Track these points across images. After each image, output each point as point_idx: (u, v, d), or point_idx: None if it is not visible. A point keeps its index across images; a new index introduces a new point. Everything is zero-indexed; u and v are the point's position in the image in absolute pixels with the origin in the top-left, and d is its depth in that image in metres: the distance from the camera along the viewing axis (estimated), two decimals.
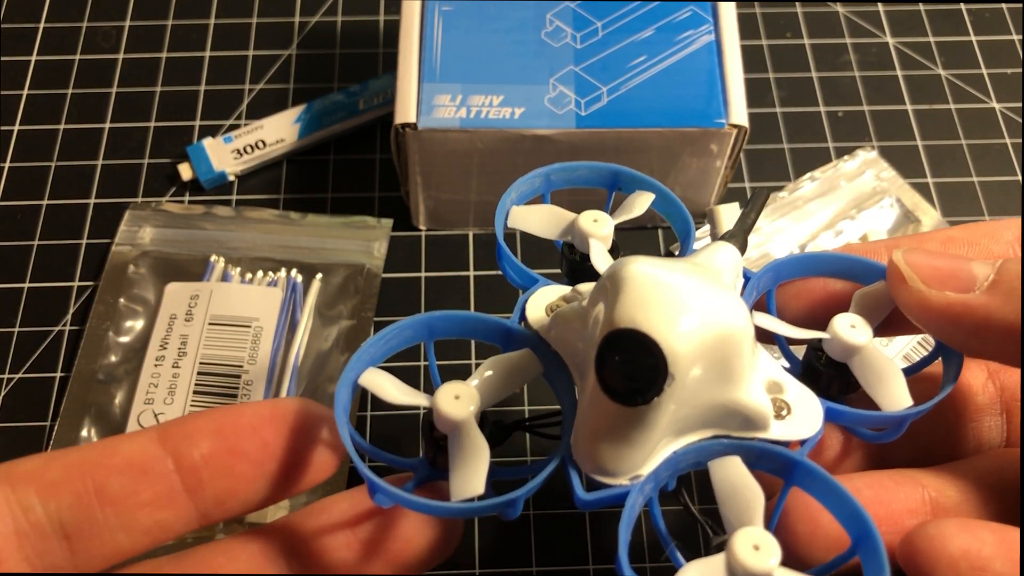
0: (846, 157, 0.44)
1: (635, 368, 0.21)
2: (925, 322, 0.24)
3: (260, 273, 0.40)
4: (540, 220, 0.27)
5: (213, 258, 0.40)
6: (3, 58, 0.47)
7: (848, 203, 0.42)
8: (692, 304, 0.21)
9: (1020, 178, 0.44)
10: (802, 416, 0.24)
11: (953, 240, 0.27)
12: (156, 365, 0.37)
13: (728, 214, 0.27)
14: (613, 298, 0.21)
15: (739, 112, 0.37)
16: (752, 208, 0.27)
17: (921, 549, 0.23)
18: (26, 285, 0.41)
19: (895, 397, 0.24)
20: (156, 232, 0.41)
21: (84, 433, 0.36)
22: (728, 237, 0.26)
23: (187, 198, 0.43)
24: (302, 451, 0.24)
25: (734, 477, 0.22)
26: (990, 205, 0.43)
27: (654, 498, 0.23)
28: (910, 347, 0.38)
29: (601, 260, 0.26)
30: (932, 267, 0.24)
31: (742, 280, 0.26)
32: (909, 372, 0.26)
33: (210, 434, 0.23)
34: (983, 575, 0.22)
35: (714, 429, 0.23)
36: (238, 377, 0.37)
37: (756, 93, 0.46)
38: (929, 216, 0.42)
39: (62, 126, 0.45)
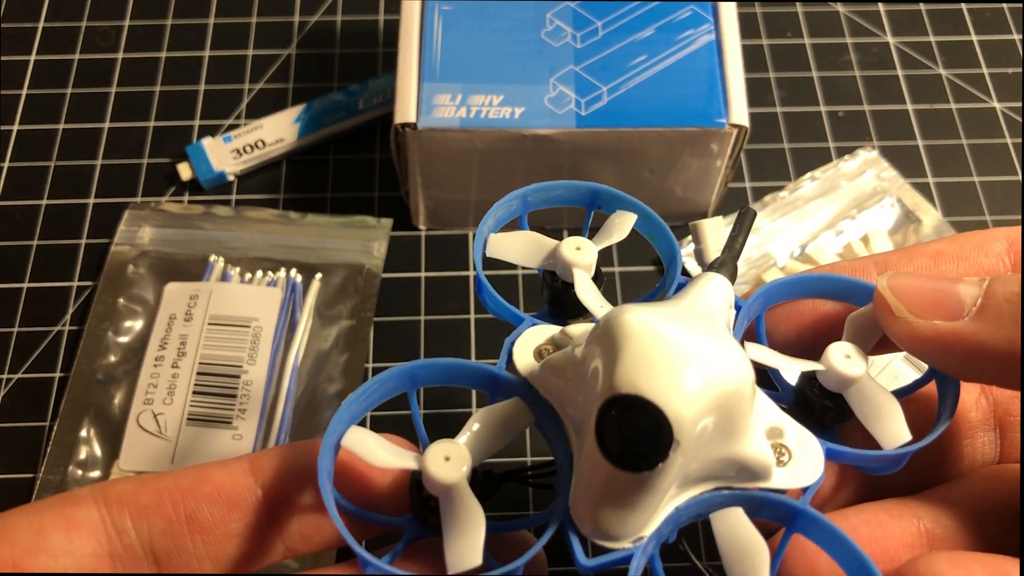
0: (847, 157, 0.44)
1: (639, 435, 0.20)
2: (916, 352, 0.24)
3: (259, 273, 0.40)
4: (520, 248, 0.26)
5: (212, 258, 0.40)
6: (2, 58, 0.47)
7: (849, 203, 0.42)
8: (695, 363, 0.20)
9: (1020, 178, 0.44)
10: (803, 461, 0.23)
11: (942, 254, 0.26)
12: (155, 365, 0.37)
13: (713, 230, 0.26)
14: (612, 357, 0.20)
15: (739, 112, 0.37)
16: (739, 231, 0.26)
17: None
18: (25, 285, 0.41)
19: (893, 431, 0.24)
20: (155, 232, 0.41)
21: (83, 433, 0.36)
22: (718, 266, 0.25)
23: (186, 198, 0.43)
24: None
25: (737, 530, 0.22)
26: (991, 205, 0.43)
27: (655, 555, 0.23)
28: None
29: (586, 291, 0.25)
30: (918, 293, 0.23)
31: (734, 312, 0.25)
32: (902, 393, 0.26)
33: (300, 472, 0.24)
34: None
35: (716, 482, 0.23)
36: (237, 377, 0.37)
37: (756, 93, 0.46)
38: (930, 216, 0.42)
39: (61, 126, 0.45)
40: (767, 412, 0.23)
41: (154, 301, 0.39)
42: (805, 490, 0.23)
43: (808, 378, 0.25)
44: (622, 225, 0.26)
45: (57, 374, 0.38)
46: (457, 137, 0.37)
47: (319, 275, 0.40)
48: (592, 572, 0.22)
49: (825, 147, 0.45)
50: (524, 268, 0.39)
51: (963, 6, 0.49)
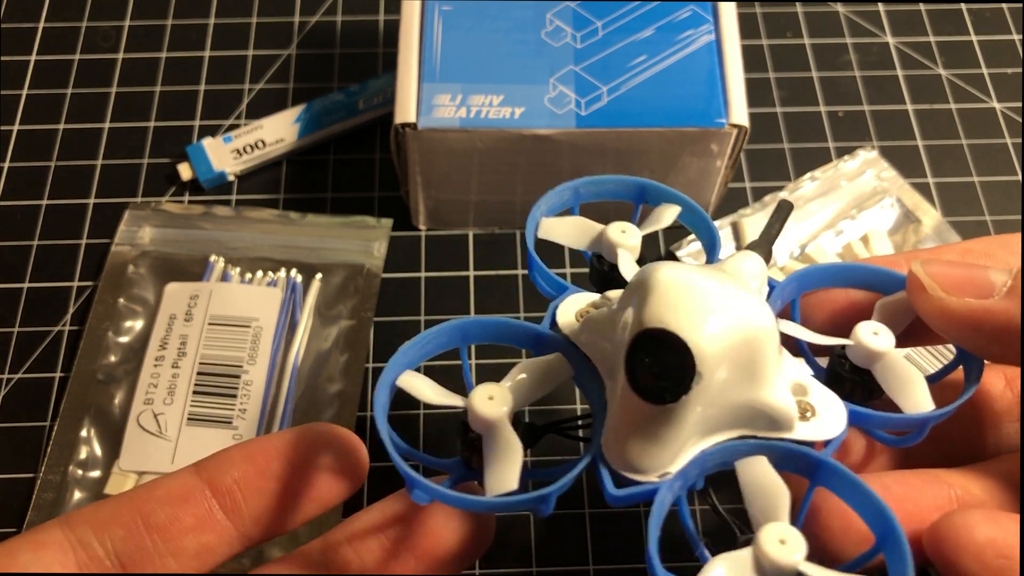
0: (846, 157, 0.44)
1: (664, 367, 0.21)
2: (946, 329, 0.25)
3: (260, 273, 0.40)
4: (569, 231, 0.28)
5: (213, 258, 0.40)
6: (3, 58, 0.47)
7: (848, 203, 0.42)
8: (719, 306, 0.22)
9: (1020, 178, 0.44)
10: (826, 417, 0.24)
11: (971, 252, 0.27)
12: (156, 365, 0.37)
13: (753, 228, 0.28)
14: (642, 301, 0.22)
15: (739, 112, 0.37)
16: (777, 219, 0.28)
17: (948, 537, 0.23)
18: (25, 285, 0.41)
19: (917, 401, 0.25)
20: (156, 232, 0.41)
21: (84, 433, 0.36)
22: (753, 247, 0.27)
23: (187, 198, 0.43)
24: (328, 470, 0.26)
25: (760, 476, 0.23)
26: (991, 205, 0.43)
27: (683, 497, 0.24)
28: (919, 355, 0.38)
29: (629, 269, 0.27)
30: (951, 275, 0.24)
31: (767, 288, 0.26)
32: (931, 380, 0.27)
33: (240, 460, 0.25)
34: (1008, 563, 0.23)
35: (740, 429, 0.24)
36: (237, 377, 0.37)
37: (756, 93, 0.46)
38: (930, 216, 0.42)
39: (61, 126, 0.45)
40: (793, 370, 0.25)
41: (154, 301, 0.39)
42: (828, 444, 0.24)
43: (838, 356, 0.26)
44: (667, 215, 0.29)
45: (57, 374, 0.38)
46: (457, 137, 0.37)
47: (319, 275, 0.40)
48: (620, 503, 0.23)
49: (825, 147, 0.45)
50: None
51: (963, 6, 0.49)
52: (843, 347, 0.26)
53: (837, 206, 0.42)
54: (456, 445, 0.25)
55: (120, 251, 0.41)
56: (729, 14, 0.40)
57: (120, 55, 0.47)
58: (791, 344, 0.27)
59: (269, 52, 0.47)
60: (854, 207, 0.42)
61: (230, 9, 0.49)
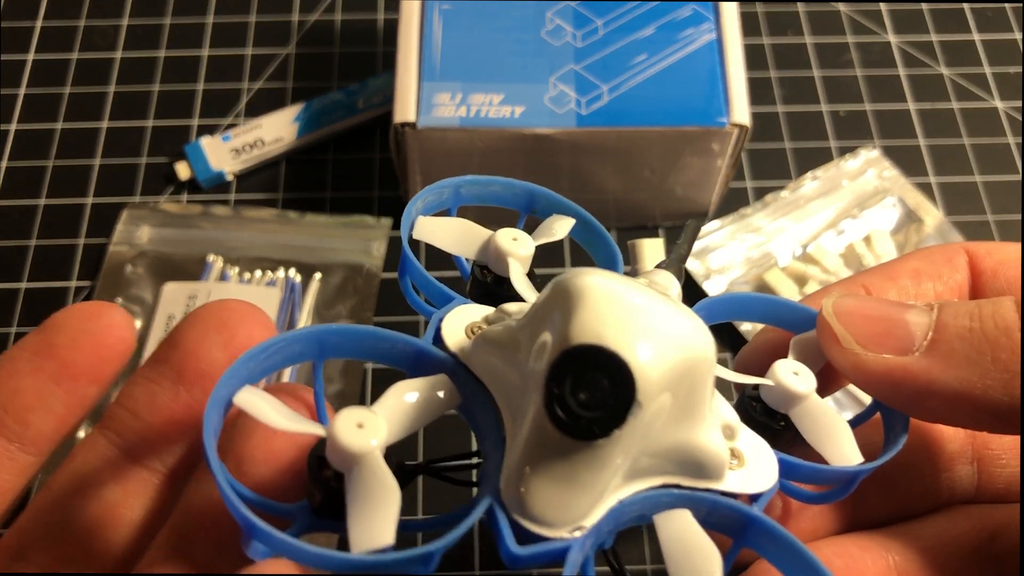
0: (848, 156, 0.44)
1: (597, 393, 0.18)
2: (862, 385, 0.23)
3: (258, 273, 0.40)
4: (451, 234, 0.24)
5: (211, 258, 0.40)
6: (1, 57, 0.47)
7: (850, 202, 0.42)
8: (660, 324, 0.18)
9: (1022, 177, 0.44)
10: (756, 467, 0.21)
11: (920, 273, 0.25)
12: None
13: (652, 250, 0.25)
14: (568, 312, 0.18)
15: (741, 111, 0.37)
16: (684, 240, 0.25)
17: None
18: (23, 285, 0.40)
19: (844, 452, 0.22)
20: (154, 232, 0.41)
21: (81, 433, 0.36)
22: (664, 267, 0.24)
23: (185, 197, 0.43)
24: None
25: (685, 534, 0.19)
26: (993, 204, 0.43)
27: (590, 558, 0.20)
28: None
29: (523, 283, 0.22)
30: (866, 321, 0.22)
31: None
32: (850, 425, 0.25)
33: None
34: None
35: (663, 476, 0.20)
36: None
37: (758, 92, 0.45)
38: (931, 215, 0.42)
39: (59, 125, 0.45)
40: (723, 409, 0.22)
41: (152, 301, 0.39)
42: (757, 498, 0.21)
43: (749, 398, 0.23)
44: (557, 227, 0.25)
45: None
46: (457, 136, 0.37)
47: (318, 275, 0.40)
48: (521, 565, 0.19)
49: (826, 146, 0.44)
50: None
51: (965, 5, 0.49)
52: (755, 387, 0.23)
53: (838, 205, 0.42)
54: (307, 485, 0.20)
55: (118, 251, 0.40)
56: (730, 13, 0.39)
57: (118, 54, 0.47)
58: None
59: (268, 51, 0.47)
60: (856, 206, 0.42)
61: (229, 8, 0.48)
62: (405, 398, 0.20)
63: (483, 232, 0.24)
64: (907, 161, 0.44)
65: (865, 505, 0.26)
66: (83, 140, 0.44)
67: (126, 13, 0.48)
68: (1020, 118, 0.45)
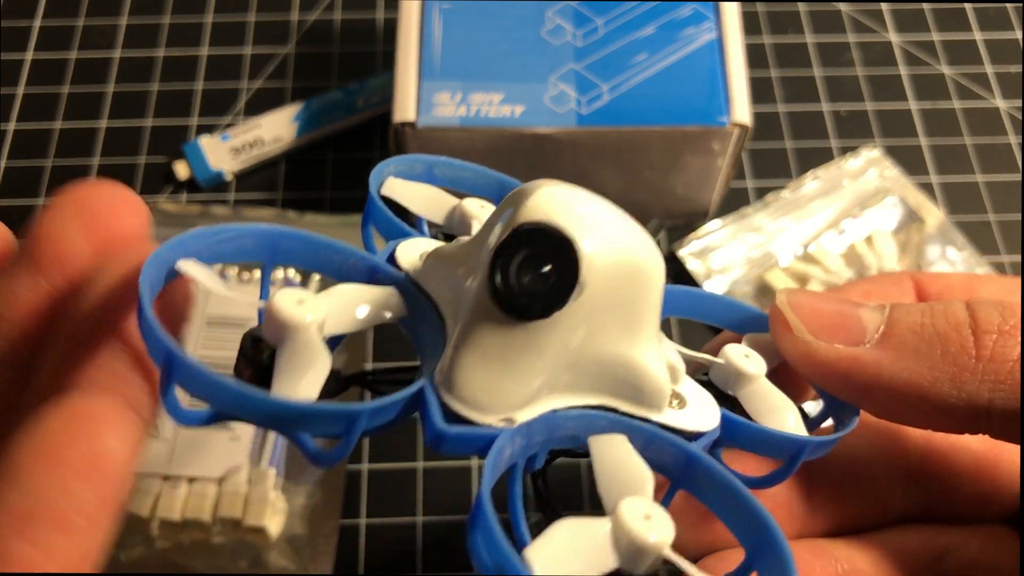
0: (849, 156, 0.43)
1: (541, 270, 0.17)
2: (811, 375, 0.23)
3: (258, 273, 0.40)
4: (421, 198, 0.24)
5: None
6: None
7: (851, 202, 0.42)
8: (610, 225, 0.18)
9: (1022, 177, 0.44)
10: (698, 411, 0.21)
11: (870, 294, 0.25)
12: None
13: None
14: (521, 202, 0.18)
15: (741, 110, 0.37)
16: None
17: None
18: None
19: (790, 428, 0.22)
20: (153, 232, 0.41)
21: None
22: None
23: (184, 197, 0.43)
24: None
25: (618, 455, 0.19)
26: (994, 204, 0.43)
27: (519, 464, 0.19)
28: None
29: None
30: (818, 313, 0.22)
31: None
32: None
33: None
34: None
35: (602, 395, 0.20)
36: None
37: (758, 91, 0.45)
38: (933, 215, 0.42)
39: (58, 124, 0.45)
40: (670, 351, 0.21)
41: None
42: (697, 438, 0.20)
43: (702, 381, 0.23)
44: None
45: None
46: (457, 136, 0.37)
47: (318, 275, 0.40)
48: (448, 447, 0.18)
49: (827, 146, 0.44)
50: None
51: (966, 4, 0.49)
52: (705, 373, 0.23)
53: (840, 205, 0.42)
54: (237, 364, 0.20)
55: None
56: (731, 12, 0.39)
57: (117, 53, 0.47)
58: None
59: (267, 50, 0.47)
60: (857, 206, 0.42)
61: (228, 6, 0.48)
62: (349, 295, 0.20)
63: (451, 199, 0.24)
64: (908, 161, 0.44)
65: (816, 515, 0.26)
66: (82, 139, 0.44)
67: (125, 12, 0.48)
68: (1021, 117, 0.45)
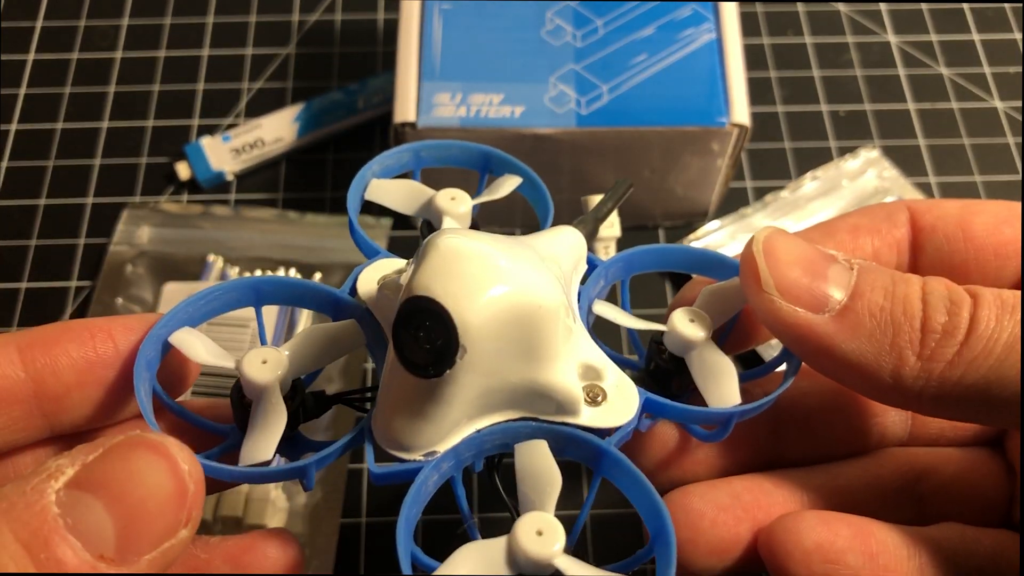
0: (848, 156, 0.44)
1: (428, 337, 0.20)
2: (771, 328, 0.24)
3: (259, 272, 0.40)
4: (398, 194, 0.27)
5: (211, 257, 0.40)
6: (1, 57, 0.47)
7: (850, 202, 0.42)
8: (496, 277, 0.20)
9: (1021, 178, 0.44)
10: (617, 404, 0.23)
11: (859, 228, 0.26)
12: None
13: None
14: (416, 267, 0.21)
15: (741, 111, 0.37)
16: (610, 198, 0.27)
17: (777, 542, 0.23)
18: (24, 285, 0.40)
19: (724, 394, 0.24)
20: (154, 232, 0.41)
21: None
22: (576, 223, 0.25)
23: (185, 197, 0.43)
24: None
25: (536, 461, 0.22)
26: None
27: (457, 477, 0.22)
28: None
29: None
30: (789, 278, 0.23)
31: (584, 267, 0.25)
32: (757, 374, 0.26)
33: (77, 358, 0.23)
34: (835, 568, 0.22)
35: (522, 411, 0.22)
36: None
37: (758, 92, 0.45)
38: None
39: (60, 125, 0.45)
40: (587, 352, 0.23)
41: (153, 301, 0.39)
42: (615, 431, 0.23)
43: (656, 343, 0.25)
44: (506, 185, 0.27)
45: None
46: (457, 136, 0.37)
47: (318, 275, 0.40)
48: (381, 481, 0.22)
49: (826, 146, 0.44)
50: None
51: (964, 5, 0.49)
52: (662, 334, 0.25)
53: (838, 205, 0.42)
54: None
55: (118, 251, 0.40)
56: (730, 13, 0.39)
57: (118, 54, 0.47)
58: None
59: (268, 51, 0.47)
60: (855, 206, 0.42)
61: (229, 8, 0.48)
62: (312, 337, 0.23)
63: (428, 192, 0.26)
64: (907, 161, 0.44)
65: (785, 445, 0.27)
66: (83, 140, 0.44)
67: (126, 13, 0.48)
68: (1020, 118, 0.45)
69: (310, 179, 0.43)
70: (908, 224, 0.27)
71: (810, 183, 0.43)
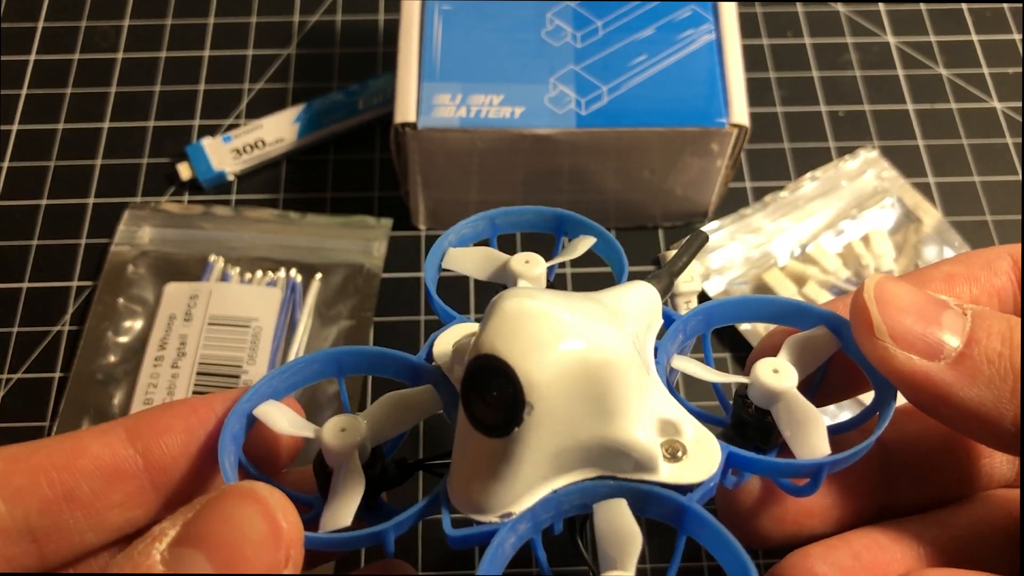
0: (847, 157, 0.44)
1: (494, 396, 0.20)
2: (887, 376, 0.23)
3: (259, 273, 0.40)
4: (474, 261, 0.27)
5: (212, 258, 0.40)
6: (2, 57, 0.47)
7: (849, 202, 0.42)
8: (558, 332, 0.20)
9: (1021, 178, 0.44)
10: (698, 459, 0.22)
11: (954, 277, 0.25)
12: (155, 365, 0.37)
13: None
14: (482, 328, 0.21)
15: (740, 111, 0.37)
16: (685, 252, 0.27)
17: None
18: (25, 285, 0.40)
19: (812, 445, 0.23)
20: (155, 232, 0.41)
21: None
22: (650, 278, 0.25)
23: (186, 198, 0.43)
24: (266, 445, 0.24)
25: (615, 520, 0.21)
26: (991, 205, 0.43)
27: (536, 539, 0.22)
28: None
29: None
30: (903, 325, 0.22)
31: (660, 321, 0.25)
32: (847, 427, 0.25)
33: (180, 430, 0.24)
34: None
35: (599, 469, 0.22)
36: (237, 377, 0.37)
37: (757, 92, 0.45)
38: (930, 216, 0.42)
39: (61, 126, 0.45)
40: (664, 407, 0.23)
41: (154, 301, 0.39)
42: (697, 488, 0.22)
43: (741, 397, 0.25)
44: (581, 246, 0.27)
45: (57, 374, 0.38)
46: (457, 137, 0.37)
47: (319, 275, 0.40)
48: (458, 545, 0.22)
49: (825, 147, 0.45)
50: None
51: (963, 6, 0.49)
52: (745, 387, 0.24)
53: (838, 206, 0.42)
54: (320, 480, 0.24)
55: (119, 251, 0.41)
56: (729, 13, 0.40)
57: (119, 55, 0.47)
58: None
59: (269, 51, 0.47)
60: (855, 207, 0.42)
61: (230, 9, 0.49)
62: (388, 405, 0.24)
63: (502, 257, 0.27)
64: (906, 161, 0.44)
65: (897, 491, 0.26)
66: (85, 140, 0.44)
67: (127, 14, 0.48)
68: (1019, 118, 0.45)
69: (311, 179, 0.43)
70: (1011, 272, 0.26)
71: (809, 183, 0.43)
